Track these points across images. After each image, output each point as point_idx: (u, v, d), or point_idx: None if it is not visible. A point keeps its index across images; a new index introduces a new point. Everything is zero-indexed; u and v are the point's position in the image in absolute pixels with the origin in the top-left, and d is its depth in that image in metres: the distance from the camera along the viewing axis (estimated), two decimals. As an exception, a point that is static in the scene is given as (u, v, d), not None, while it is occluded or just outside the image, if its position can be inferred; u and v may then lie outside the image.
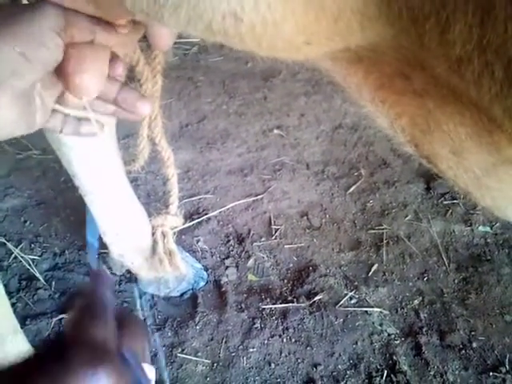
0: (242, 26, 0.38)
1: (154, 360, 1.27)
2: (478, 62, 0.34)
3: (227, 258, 1.53)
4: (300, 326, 1.34)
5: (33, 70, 0.45)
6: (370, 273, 1.48)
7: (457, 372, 1.24)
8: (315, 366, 1.26)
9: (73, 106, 0.55)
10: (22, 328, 1.11)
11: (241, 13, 0.37)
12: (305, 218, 1.67)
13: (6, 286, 1.39)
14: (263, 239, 1.59)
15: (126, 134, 1.81)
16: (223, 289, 1.44)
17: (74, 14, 0.46)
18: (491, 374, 1.24)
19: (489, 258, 1.51)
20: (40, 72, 0.46)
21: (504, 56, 0.32)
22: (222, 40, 0.41)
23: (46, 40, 0.44)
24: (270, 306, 1.39)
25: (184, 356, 1.28)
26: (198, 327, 1.34)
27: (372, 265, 1.50)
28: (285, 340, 1.31)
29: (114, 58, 0.53)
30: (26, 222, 1.63)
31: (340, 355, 1.29)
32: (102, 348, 0.42)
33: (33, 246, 1.55)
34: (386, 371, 1.24)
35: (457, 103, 0.46)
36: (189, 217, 1.66)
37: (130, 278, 1.44)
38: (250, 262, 1.52)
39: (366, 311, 1.37)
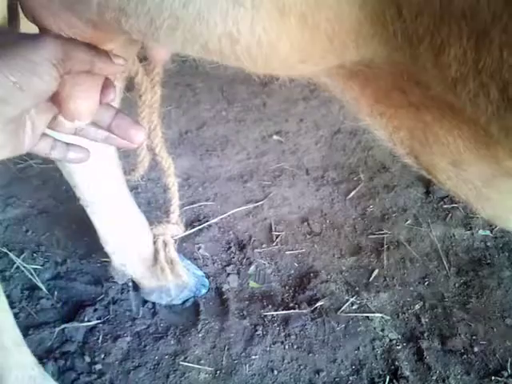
0: (237, 47, 0.39)
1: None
2: (474, 84, 0.34)
3: (228, 265, 1.54)
4: (302, 332, 1.35)
5: (25, 99, 0.46)
6: (371, 278, 1.49)
7: (459, 377, 1.25)
8: (318, 372, 1.27)
9: (64, 130, 0.55)
10: (24, 337, 1.12)
11: (237, 34, 0.38)
12: (305, 223, 1.67)
13: (8, 296, 1.40)
14: (264, 246, 1.60)
15: (126, 143, 1.82)
16: (225, 296, 1.44)
17: (74, 47, 0.47)
18: (493, 378, 1.24)
19: (489, 261, 1.52)
20: (33, 101, 0.47)
21: (499, 79, 0.33)
22: (217, 59, 0.42)
23: (41, 72, 0.45)
24: (272, 313, 1.39)
25: (187, 364, 1.28)
26: (200, 335, 1.34)
27: (373, 270, 1.51)
28: (287, 347, 1.32)
29: (106, 83, 0.53)
30: (27, 231, 1.64)
31: (342, 361, 1.29)
32: None
33: (35, 255, 1.55)
34: (388, 377, 1.25)
35: (454, 117, 0.46)
36: (189, 224, 1.66)
37: (132, 286, 1.45)
38: (252, 268, 1.53)
39: (368, 317, 1.38)
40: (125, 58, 0.52)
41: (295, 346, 1.32)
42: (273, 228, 1.65)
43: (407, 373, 1.25)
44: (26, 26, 0.50)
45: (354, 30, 0.38)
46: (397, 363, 1.27)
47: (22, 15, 0.52)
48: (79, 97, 0.49)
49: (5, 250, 1.55)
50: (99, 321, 1.37)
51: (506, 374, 1.24)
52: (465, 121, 0.45)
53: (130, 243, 1.32)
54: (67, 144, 0.59)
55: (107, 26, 0.45)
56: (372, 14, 0.36)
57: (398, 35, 0.36)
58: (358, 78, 0.50)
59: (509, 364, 1.27)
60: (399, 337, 1.33)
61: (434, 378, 1.24)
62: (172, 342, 1.33)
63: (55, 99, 0.50)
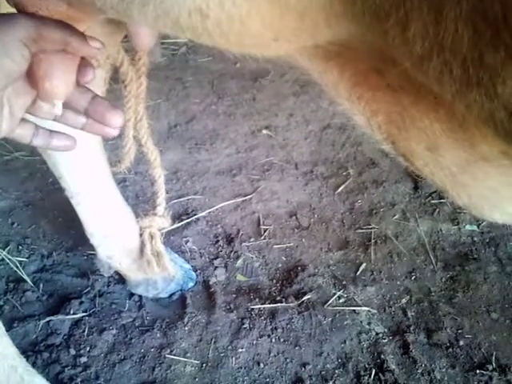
0: (208, 23, 0.38)
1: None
2: (437, 60, 0.35)
3: (216, 258, 1.53)
4: (289, 325, 1.35)
5: None
6: (358, 272, 1.49)
7: (444, 370, 1.25)
8: (304, 365, 1.27)
9: (43, 115, 0.55)
10: (9, 330, 1.11)
11: (206, 9, 0.38)
12: (293, 217, 1.67)
13: (-7, 288, 1.39)
14: (252, 239, 1.60)
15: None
16: (212, 289, 1.44)
17: (47, 26, 0.46)
18: (478, 371, 1.25)
19: (476, 256, 1.53)
20: (4, 82, 0.46)
21: (459, 55, 0.33)
22: (192, 37, 0.42)
23: (12, 51, 0.44)
24: (259, 306, 1.39)
25: (173, 357, 1.28)
26: (186, 328, 1.34)
27: (360, 264, 1.51)
28: (273, 340, 1.32)
29: (84, 63, 0.53)
30: (13, 223, 1.62)
31: (328, 354, 1.29)
32: None
33: (20, 247, 1.54)
34: (374, 370, 1.25)
35: (430, 99, 0.47)
36: (177, 217, 1.65)
37: (118, 279, 1.44)
38: (239, 262, 1.52)
39: (354, 310, 1.38)
40: (102, 42, 0.51)
41: (282, 340, 1.32)
42: (261, 222, 1.65)
43: (393, 366, 1.26)
44: (5, 5, 0.49)
45: (324, 8, 0.38)
46: (383, 357, 1.28)
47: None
48: (55, 76, 0.49)
49: (-10, 243, 1.53)
50: (85, 313, 1.36)
51: (490, 368, 1.25)
52: (441, 103, 0.46)
53: (116, 235, 1.32)
54: (50, 131, 0.58)
55: (81, 3, 0.45)
56: None
57: (365, 12, 0.36)
58: (335, 60, 0.50)
59: (494, 358, 1.27)
60: (385, 330, 1.34)
61: (420, 371, 1.25)
62: (158, 335, 1.33)
63: (32, 79, 0.49)
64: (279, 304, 1.39)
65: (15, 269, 1.46)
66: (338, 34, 0.41)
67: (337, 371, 1.26)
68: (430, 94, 0.43)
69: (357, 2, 0.36)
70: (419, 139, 0.49)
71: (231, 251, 1.55)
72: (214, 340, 1.32)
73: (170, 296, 1.43)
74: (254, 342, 1.31)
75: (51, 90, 0.49)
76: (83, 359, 1.26)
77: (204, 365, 1.27)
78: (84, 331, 1.32)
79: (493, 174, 0.49)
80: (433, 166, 0.51)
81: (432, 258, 1.53)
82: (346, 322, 1.35)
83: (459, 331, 1.33)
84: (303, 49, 0.46)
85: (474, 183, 0.51)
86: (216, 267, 1.50)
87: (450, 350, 1.29)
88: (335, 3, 0.37)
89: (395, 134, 0.51)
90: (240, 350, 1.29)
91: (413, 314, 1.38)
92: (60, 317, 1.34)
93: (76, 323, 1.34)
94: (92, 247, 1.36)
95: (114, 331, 1.33)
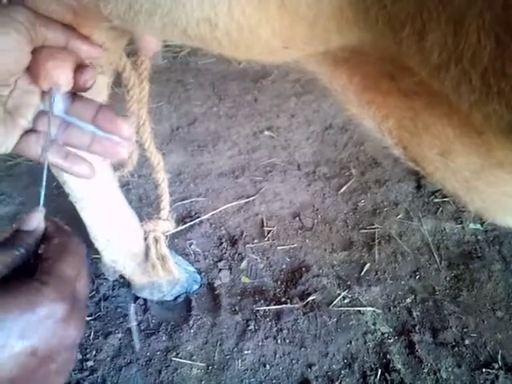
0: (217, 32, 0.38)
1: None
2: (456, 70, 0.34)
3: (220, 260, 1.53)
4: (294, 326, 1.35)
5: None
6: (363, 272, 1.49)
7: (450, 369, 1.25)
8: (310, 366, 1.27)
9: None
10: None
11: (215, 19, 0.37)
12: (297, 218, 1.67)
13: (-2, 293, 1.39)
14: (256, 241, 1.60)
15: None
16: (217, 291, 1.44)
17: (49, 20, 0.46)
18: (484, 370, 1.25)
19: (480, 255, 1.53)
20: (8, 62, 0.45)
21: (479, 65, 0.32)
22: (200, 45, 0.42)
23: (13, 28, 0.44)
24: (264, 308, 1.39)
25: (179, 360, 1.28)
26: (192, 331, 1.34)
27: (364, 264, 1.51)
28: (279, 341, 1.32)
29: (83, 62, 0.52)
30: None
31: (334, 355, 1.29)
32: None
33: (25, 253, 1.54)
34: (380, 370, 1.25)
35: (444, 104, 0.46)
36: (181, 220, 1.66)
37: (123, 283, 1.44)
38: (243, 264, 1.52)
39: (359, 311, 1.38)
40: (103, 45, 0.51)
41: (287, 341, 1.32)
42: (264, 223, 1.65)
43: (399, 366, 1.26)
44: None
45: (334, 17, 0.37)
46: (388, 356, 1.28)
47: None
48: (54, 63, 0.48)
49: (-5, 248, 1.53)
50: (90, 317, 1.36)
51: (496, 366, 1.25)
52: (455, 108, 0.45)
53: (120, 239, 1.32)
54: (66, 149, 0.58)
55: (87, 11, 0.45)
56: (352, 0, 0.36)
57: (379, 21, 0.36)
58: (346, 65, 0.49)
59: (499, 356, 1.27)
60: (391, 330, 1.34)
61: (426, 370, 1.25)
62: (164, 338, 1.33)
63: (31, 68, 0.49)
64: (284, 305, 1.39)
65: (20, 274, 1.46)
66: (349, 40, 0.41)
67: (343, 372, 1.26)
68: (444, 100, 0.43)
69: (369, 11, 0.36)
70: (432, 144, 0.49)
71: (235, 253, 1.55)
72: (219, 342, 1.32)
73: (175, 299, 1.43)
74: (260, 344, 1.31)
75: (50, 73, 0.48)
76: (90, 363, 1.27)
77: (210, 367, 1.27)
78: (90, 335, 1.32)
79: (508, 180, 0.49)
80: (445, 172, 0.51)
81: (436, 257, 1.52)
82: (351, 323, 1.35)
83: (464, 330, 1.33)
84: (312, 55, 0.46)
85: (488, 189, 0.50)
86: (220, 269, 1.50)
87: (456, 349, 1.29)
88: (346, 11, 0.37)
89: (407, 139, 0.51)
90: (246, 352, 1.29)
91: (418, 313, 1.38)
92: (66, 321, 1.34)
93: (82, 327, 1.34)
94: (96, 251, 1.36)
95: (120, 335, 1.33)
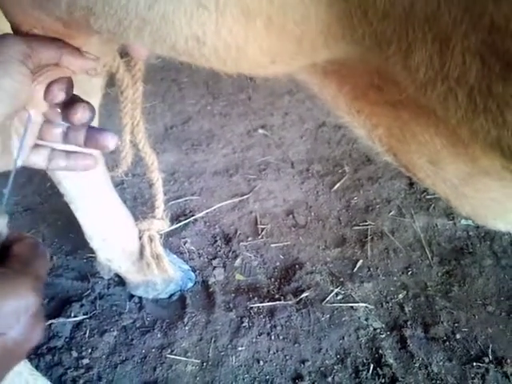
0: (205, 49, 0.39)
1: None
2: (442, 88, 0.35)
3: (214, 258, 1.55)
4: (287, 323, 1.36)
5: (2, 102, 0.45)
6: (355, 269, 1.51)
7: (441, 363, 1.27)
8: (303, 362, 1.29)
9: (54, 139, 0.56)
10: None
11: (203, 37, 0.38)
12: (290, 216, 1.69)
13: (-6, 293, 1.40)
14: (250, 239, 1.61)
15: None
16: (211, 289, 1.46)
17: (41, 43, 0.47)
18: (475, 364, 1.27)
19: (471, 250, 1.54)
20: (8, 104, 0.46)
21: (466, 84, 0.33)
22: (189, 60, 0.42)
23: (10, 70, 0.45)
24: (258, 305, 1.41)
25: (173, 357, 1.29)
26: (186, 328, 1.36)
27: (357, 261, 1.53)
28: (273, 337, 1.33)
29: (56, 82, 0.52)
30: (12, 228, 1.63)
31: (327, 351, 1.31)
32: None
33: (20, 252, 1.55)
34: (372, 365, 1.27)
35: (431, 115, 0.47)
36: (175, 218, 1.67)
37: (118, 281, 1.46)
38: (237, 261, 1.54)
39: (352, 307, 1.40)
40: (95, 55, 0.52)
41: (281, 337, 1.33)
42: (258, 221, 1.67)
43: (391, 361, 1.28)
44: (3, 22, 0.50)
45: (321, 32, 0.38)
46: (381, 351, 1.30)
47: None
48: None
49: (-10, 248, 1.54)
50: (86, 316, 1.37)
51: (487, 360, 1.27)
52: (441, 119, 0.46)
53: (115, 238, 1.33)
54: (67, 152, 0.59)
55: (77, 24, 0.46)
56: (339, 16, 0.36)
57: (366, 38, 0.36)
58: (335, 75, 0.50)
59: (490, 350, 1.29)
60: (383, 326, 1.36)
61: (417, 365, 1.27)
62: (159, 336, 1.34)
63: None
64: (278, 302, 1.41)
65: (16, 273, 1.47)
66: (336, 54, 0.41)
67: (336, 367, 1.27)
68: (431, 111, 0.44)
69: (356, 28, 0.36)
70: (420, 152, 0.50)
71: (229, 251, 1.57)
72: (213, 339, 1.34)
73: (170, 297, 1.44)
74: (254, 340, 1.33)
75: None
76: (85, 361, 1.28)
77: (204, 364, 1.29)
78: (85, 333, 1.34)
79: (495, 187, 0.50)
80: (435, 178, 0.52)
81: (428, 253, 1.54)
82: (343, 319, 1.37)
83: (456, 325, 1.35)
84: (300, 68, 0.47)
85: (476, 195, 0.51)
86: (215, 267, 1.52)
87: (447, 343, 1.31)
88: (334, 27, 0.37)
89: (396, 147, 0.52)
90: (240, 349, 1.31)
91: (410, 308, 1.40)
92: (61, 320, 1.36)
93: (77, 326, 1.36)
94: (92, 250, 1.37)
95: (115, 333, 1.34)
